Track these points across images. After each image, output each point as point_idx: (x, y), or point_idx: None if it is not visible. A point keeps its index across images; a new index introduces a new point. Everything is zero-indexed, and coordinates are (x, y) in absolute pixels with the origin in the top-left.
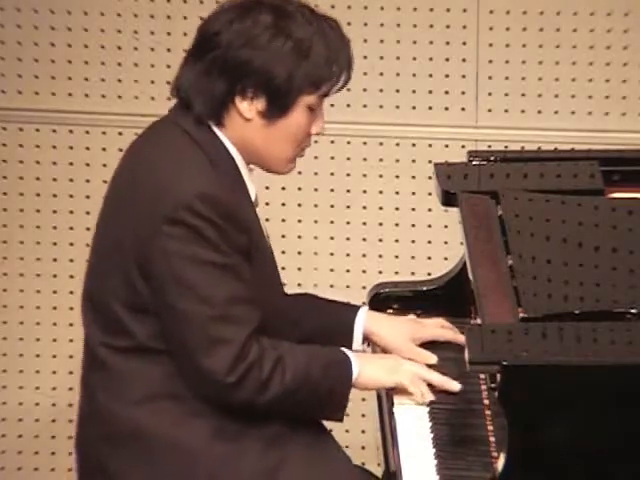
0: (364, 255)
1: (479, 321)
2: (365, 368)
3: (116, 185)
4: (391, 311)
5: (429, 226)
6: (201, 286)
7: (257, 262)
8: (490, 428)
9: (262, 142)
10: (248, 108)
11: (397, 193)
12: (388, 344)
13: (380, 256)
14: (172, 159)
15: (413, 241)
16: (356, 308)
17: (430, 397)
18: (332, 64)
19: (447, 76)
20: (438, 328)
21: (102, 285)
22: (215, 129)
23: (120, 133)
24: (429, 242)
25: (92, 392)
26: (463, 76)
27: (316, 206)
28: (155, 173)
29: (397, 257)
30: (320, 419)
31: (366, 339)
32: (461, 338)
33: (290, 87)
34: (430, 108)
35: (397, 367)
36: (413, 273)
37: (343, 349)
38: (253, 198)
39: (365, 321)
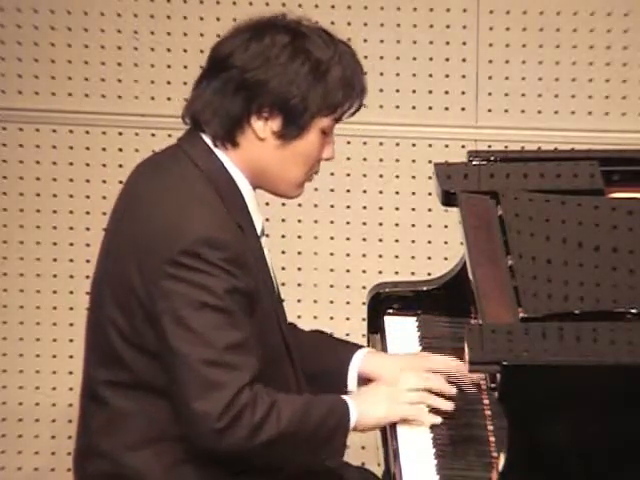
0: (364, 255)
1: (479, 321)
2: (363, 412)
3: (119, 217)
4: (391, 311)
5: (429, 226)
6: (201, 330)
7: (260, 302)
8: (490, 428)
9: (275, 164)
10: (263, 128)
11: (397, 193)
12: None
13: (380, 256)
14: (180, 196)
15: (413, 241)
16: (353, 351)
17: (436, 420)
18: (347, 88)
19: (447, 76)
20: (442, 364)
21: (102, 314)
22: (224, 157)
23: (120, 133)
24: (429, 242)
25: (89, 428)
26: (463, 76)
27: (316, 206)
28: (161, 211)
29: (397, 257)
30: (317, 465)
31: (367, 381)
32: (460, 376)
33: (306, 108)
34: (430, 108)
35: (397, 396)
36: (413, 273)
37: (343, 396)
38: (259, 229)
39: (360, 366)
